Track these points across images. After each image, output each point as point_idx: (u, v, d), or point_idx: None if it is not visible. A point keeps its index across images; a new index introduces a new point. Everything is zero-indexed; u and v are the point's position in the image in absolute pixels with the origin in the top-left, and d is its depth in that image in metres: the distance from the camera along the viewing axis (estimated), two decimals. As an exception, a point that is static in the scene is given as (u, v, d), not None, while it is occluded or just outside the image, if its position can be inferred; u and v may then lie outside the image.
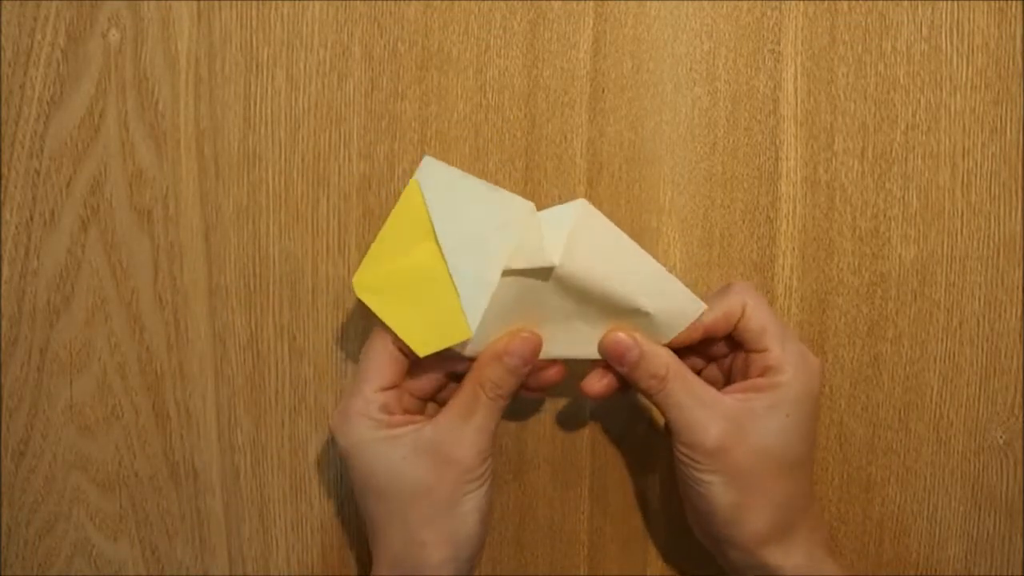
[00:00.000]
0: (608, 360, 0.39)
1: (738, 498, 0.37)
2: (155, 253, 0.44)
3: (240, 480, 0.45)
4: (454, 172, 0.38)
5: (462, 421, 0.37)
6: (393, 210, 0.38)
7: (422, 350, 0.37)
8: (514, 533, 0.46)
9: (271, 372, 0.45)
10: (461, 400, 0.38)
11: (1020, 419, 0.45)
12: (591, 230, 0.37)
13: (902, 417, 0.45)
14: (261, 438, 0.45)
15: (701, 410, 0.37)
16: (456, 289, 0.37)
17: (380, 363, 0.38)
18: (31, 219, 0.44)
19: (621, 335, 0.39)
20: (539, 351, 0.38)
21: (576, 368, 0.42)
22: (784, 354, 0.38)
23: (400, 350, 0.38)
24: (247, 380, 0.45)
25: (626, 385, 0.40)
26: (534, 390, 0.40)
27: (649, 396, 0.38)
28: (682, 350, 0.40)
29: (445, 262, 0.37)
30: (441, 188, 0.38)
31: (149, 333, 0.44)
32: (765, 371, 0.38)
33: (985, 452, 0.45)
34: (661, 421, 0.45)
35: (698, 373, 0.40)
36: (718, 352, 0.41)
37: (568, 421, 0.45)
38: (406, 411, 0.39)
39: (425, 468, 0.37)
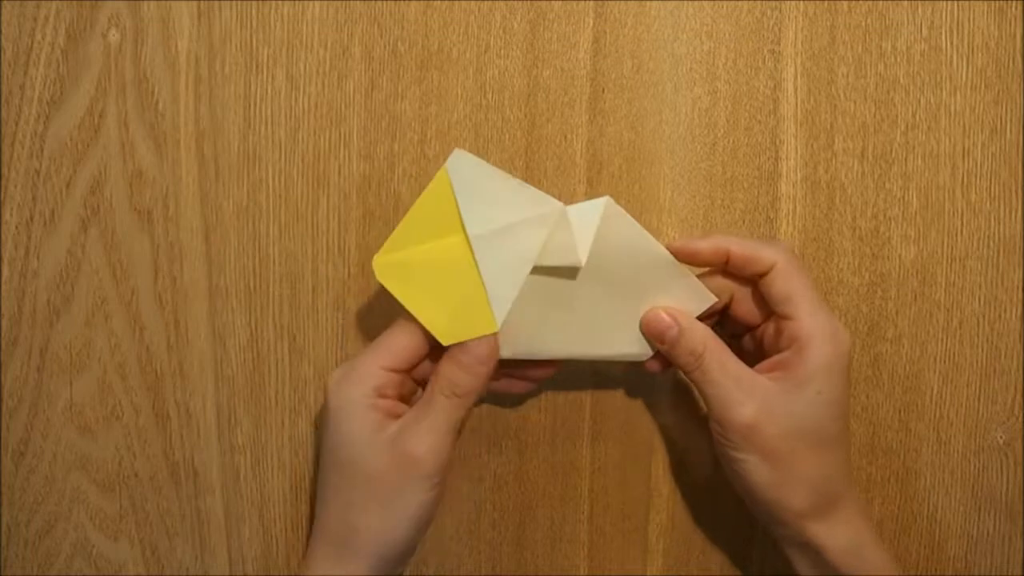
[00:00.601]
0: (648, 337, 0.40)
1: (772, 476, 0.37)
2: (155, 253, 0.44)
3: (240, 480, 0.45)
4: (485, 166, 0.37)
5: (419, 418, 0.37)
6: (419, 199, 0.38)
7: (446, 339, 0.37)
8: (514, 533, 0.46)
9: (271, 372, 0.45)
10: (422, 398, 0.38)
11: (1020, 419, 0.45)
12: (616, 228, 0.37)
13: (902, 417, 0.45)
14: (261, 438, 0.45)
15: (735, 388, 0.37)
16: (483, 282, 0.37)
17: (401, 344, 0.38)
18: (31, 219, 0.44)
19: (661, 313, 0.39)
20: (496, 352, 0.38)
21: (578, 366, 0.42)
22: (813, 326, 0.37)
23: (426, 338, 0.38)
24: (247, 380, 0.44)
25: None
26: (528, 379, 0.42)
27: (687, 372, 0.39)
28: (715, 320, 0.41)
29: (472, 254, 0.37)
30: (471, 181, 0.37)
31: (149, 333, 0.44)
32: (792, 342, 0.38)
33: (985, 452, 0.45)
34: (661, 421, 0.46)
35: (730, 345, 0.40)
36: (752, 320, 0.41)
37: (568, 420, 0.45)
38: (401, 396, 0.39)
39: (385, 458, 0.37)
